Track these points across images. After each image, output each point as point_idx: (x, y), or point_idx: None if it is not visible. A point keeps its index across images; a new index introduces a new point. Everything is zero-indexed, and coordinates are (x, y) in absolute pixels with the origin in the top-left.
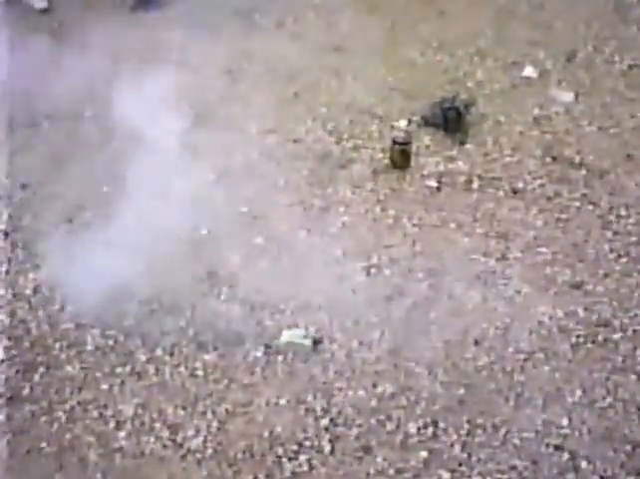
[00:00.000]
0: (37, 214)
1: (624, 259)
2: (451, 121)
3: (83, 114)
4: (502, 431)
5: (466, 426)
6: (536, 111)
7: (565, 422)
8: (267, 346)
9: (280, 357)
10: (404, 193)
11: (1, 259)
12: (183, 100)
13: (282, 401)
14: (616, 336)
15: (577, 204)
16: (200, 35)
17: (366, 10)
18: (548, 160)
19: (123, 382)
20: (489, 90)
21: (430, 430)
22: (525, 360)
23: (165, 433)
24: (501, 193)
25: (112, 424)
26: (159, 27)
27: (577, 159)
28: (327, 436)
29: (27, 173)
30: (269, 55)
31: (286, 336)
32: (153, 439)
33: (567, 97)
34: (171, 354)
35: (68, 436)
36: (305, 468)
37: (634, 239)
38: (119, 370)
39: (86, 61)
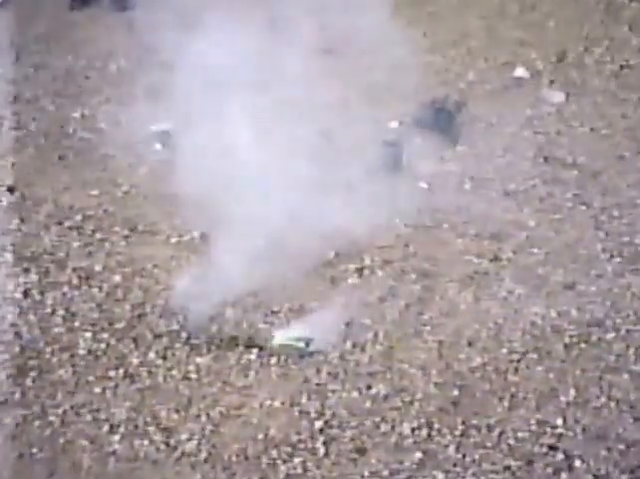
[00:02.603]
0: (25, 217)
1: (617, 260)
2: (442, 122)
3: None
4: (497, 431)
5: (460, 427)
6: (528, 111)
7: (559, 422)
8: (261, 349)
9: (274, 360)
10: (396, 194)
11: None
12: (171, 103)
13: (276, 403)
14: (609, 336)
15: (570, 204)
16: (188, 36)
17: (356, 11)
18: (540, 160)
19: (116, 386)
20: (481, 91)
21: (424, 431)
22: (519, 361)
23: (159, 436)
24: (494, 194)
25: (105, 428)
26: (142, 28)
27: (569, 159)
28: (321, 438)
29: (14, 175)
30: (260, 57)
31: (279, 339)
32: (146, 443)
33: (559, 97)
34: (164, 357)
35: (61, 441)
36: (299, 470)
37: (627, 239)
38: (111, 374)
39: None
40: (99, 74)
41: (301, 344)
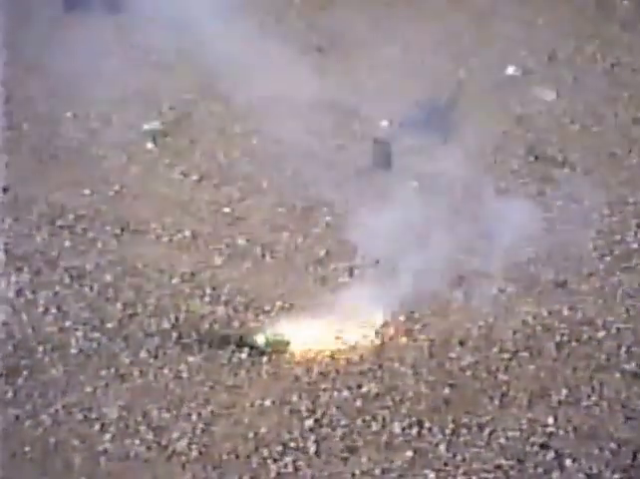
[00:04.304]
0: (17, 216)
1: (608, 258)
2: (433, 120)
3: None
4: (488, 430)
5: (451, 426)
6: (519, 110)
7: (550, 421)
8: (252, 348)
9: (265, 358)
10: (387, 193)
11: None
12: (162, 103)
13: (267, 402)
14: (600, 335)
15: (561, 202)
16: (178, 36)
17: (347, 10)
18: (531, 159)
19: (107, 385)
20: (472, 89)
21: (415, 430)
22: (510, 359)
23: (150, 436)
24: (485, 192)
25: (96, 427)
26: (132, 29)
27: (560, 157)
28: (312, 437)
29: (7, 175)
30: (250, 55)
31: (271, 337)
32: (137, 442)
33: (550, 95)
34: (156, 356)
35: (52, 440)
36: (290, 469)
37: (618, 237)
38: (103, 373)
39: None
40: (90, 74)
41: (292, 343)
